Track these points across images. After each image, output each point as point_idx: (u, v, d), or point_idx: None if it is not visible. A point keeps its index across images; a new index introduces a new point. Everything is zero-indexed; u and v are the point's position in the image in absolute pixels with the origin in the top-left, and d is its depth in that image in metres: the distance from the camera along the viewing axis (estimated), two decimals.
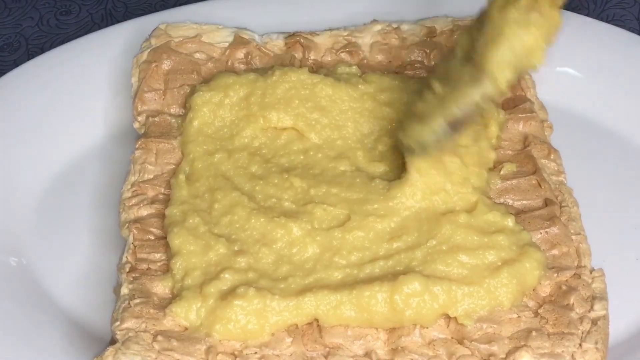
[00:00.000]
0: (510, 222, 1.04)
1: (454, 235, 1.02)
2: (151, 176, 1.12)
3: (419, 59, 1.23)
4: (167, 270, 1.03)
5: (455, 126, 1.01)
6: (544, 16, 0.98)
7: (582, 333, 0.99)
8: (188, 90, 1.18)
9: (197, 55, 1.22)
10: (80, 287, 1.10)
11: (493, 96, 0.98)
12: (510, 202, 1.09)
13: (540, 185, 1.09)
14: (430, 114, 1.02)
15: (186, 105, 1.16)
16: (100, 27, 1.44)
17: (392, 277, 0.99)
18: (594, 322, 1.00)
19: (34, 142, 1.21)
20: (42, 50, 1.41)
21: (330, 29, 1.26)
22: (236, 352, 0.97)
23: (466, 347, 0.98)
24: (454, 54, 1.04)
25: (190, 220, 1.05)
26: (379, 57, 1.24)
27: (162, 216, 1.07)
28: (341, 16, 1.30)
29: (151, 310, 0.99)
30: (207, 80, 1.18)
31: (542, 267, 1.02)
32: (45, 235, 1.15)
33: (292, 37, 1.24)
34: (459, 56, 1.03)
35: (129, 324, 0.98)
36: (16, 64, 1.37)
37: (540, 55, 0.98)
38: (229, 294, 0.98)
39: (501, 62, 0.97)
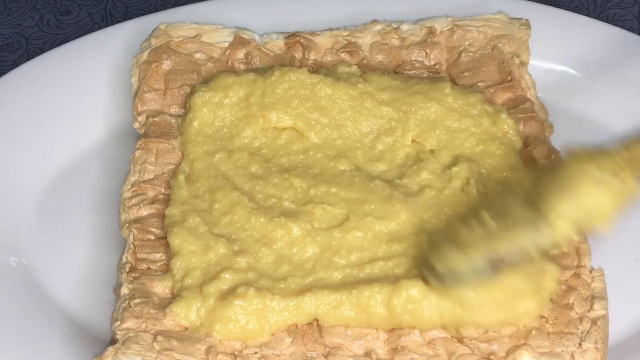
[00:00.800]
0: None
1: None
2: (151, 176, 1.12)
3: (419, 59, 1.23)
4: (167, 270, 1.03)
5: (496, 266, 0.94)
6: (624, 184, 0.93)
7: (582, 333, 0.99)
8: (188, 91, 1.18)
9: (197, 55, 1.22)
10: (80, 287, 1.10)
11: (546, 247, 0.93)
12: None
13: None
14: (472, 245, 0.94)
15: (186, 106, 1.16)
16: (100, 27, 1.44)
17: (393, 279, 0.99)
18: (594, 321, 1.00)
19: (34, 142, 1.21)
20: (42, 50, 1.41)
21: (330, 29, 1.26)
22: (236, 352, 0.97)
23: (466, 345, 0.98)
24: (512, 191, 0.98)
25: (190, 220, 1.05)
26: (379, 57, 1.24)
27: (162, 216, 1.07)
28: (341, 16, 1.30)
29: (151, 310, 0.99)
30: (207, 81, 1.18)
31: (557, 282, 1.01)
32: (45, 235, 1.15)
33: (292, 37, 1.24)
34: (519, 195, 0.96)
35: (129, 324, 0.99)
36: (16, 64, 1.37)
37: (608, 222, 0.93)
38: (229, 294, 0.98)
39: (566, 214, 0.91)
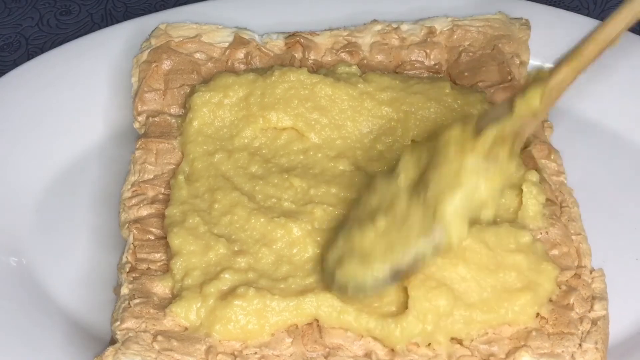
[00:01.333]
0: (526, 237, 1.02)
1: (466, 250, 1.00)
2: (151, 176, 1.12)
3: (419, 59, 1.23)
4: (167, 270, 1.03)
5: (398, 275, 0.93)
6: (501, 165, 0.90)
7: (582, 333, 0.99)
8: (188, 91, 1.18)
9: (197, 55, 1.22)
10: (80, 287, 1.10)
11: (441, 249, 0.91)
12: None
13: None
14: (371, 255, 0.93)
15: (186, 106, 1.16)
16: (100, 27, 1.44)
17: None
18: (594, 322, 1.00)
19: (34, 142, 1.21)
20: (42, 50, 1.41)
21: (330, 29, 1.26)
22: (236, 352, 0.97)
23: (466, 347, 0.98)
24: (396, 175, 0.95)
25: (190, 221, 1.05)
26: (379, 57, 1.24)
27: (162, 216, 1.07)
28: (341, 16, 1.30)
29: (151, 310, 0.99)
30: (207, 81, 1.18)
31: (555, 281, 1.01)
32: (45, 235, 1.15)
33: (292, 37, 1.24)
34: (403, 182, 0.94)
35: (129, 324, 0.99)
36: (16, 64, 1.37)
37: (493, 208, 0.90)
38: (229, 294, 0.98)
39: (457, 214, 0.89)
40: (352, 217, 0.98)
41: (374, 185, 0.97)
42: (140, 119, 1.18)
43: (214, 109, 1.14)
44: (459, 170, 0.89)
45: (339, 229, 0.99)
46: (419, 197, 0.91)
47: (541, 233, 1.05)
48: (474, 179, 0.89)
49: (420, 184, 0.92)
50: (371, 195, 0.97)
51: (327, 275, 0.97)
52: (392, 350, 0.97)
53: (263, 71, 1.18)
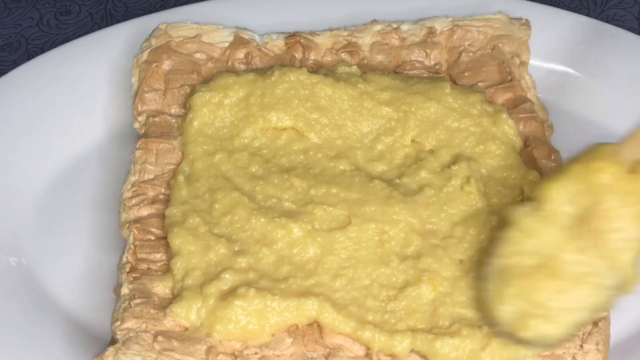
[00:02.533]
0: None
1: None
2: (151, 176, 1.12)
3: (419, 59, 1.23)
4: (167, 270, 1.03)
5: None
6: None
7: (583, 334, 0.99)
8: (188, 91, 1.18)
9: (197, 56, 1.22)
10: (80, 287, 1.10)
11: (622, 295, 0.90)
12: None
13: None
14: (556, 311, 0.89)
15: (186, 106, 1.16)
16: (100, 27, 1.44)
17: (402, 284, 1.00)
18: (595, 323, 1.00)
19: (34, 142, 1.21)
20: (42, 50, 1.41)
21: (330, 29, 1.26)
22: (236, 353, 0.97)
23: None
24: (551, 214, 0.90)
25: (191, 221, 1.05)
26: (379, 57, 1.24)
27: (162, 216, 1.07)
28: (341, 16, 1.30)
29: (151, 311, 0.99)
30: (207, 81, 1.18)
31: None
32: (45, 235, 1.15)
33: (292, 37, 1.24)
34: (561, 221, 0.90)
35: (129, 324, 0.99)
36: (16, 64, 1.37)
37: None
38: (229, 294, 0.98)
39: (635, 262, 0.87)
40: (508, 264, 0.92)
41: (522, 225, 0.92)
42: (140, 119, 1.18)
43: (214, 109, 1.14)
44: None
45: (491, 273, 0.93)
46: (589, 242, 0.88)
47: None
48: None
49: (584, 228, 0.89)
50: (524, 239, 0.92)
51: (503, 331, 0.93)
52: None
53: (263, 71, 1.18)
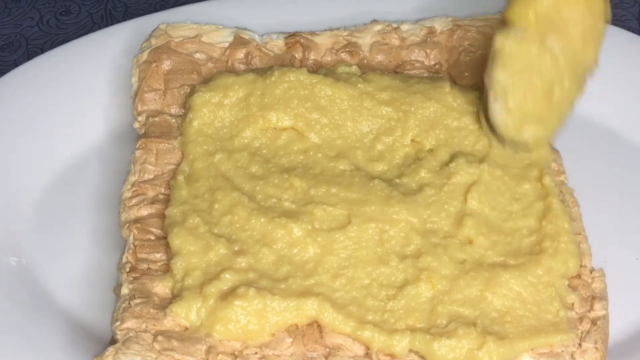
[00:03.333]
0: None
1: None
2: (151, 176, 1.12)
3: (419, 59, 1.23)
4: (167, 270, 1.03)
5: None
6: None
7: (582, 333, 0.99)
8: (188, 91, 1.18)
9: (197, 56, 1.22)
10: (80, 287, 1.10)
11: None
12: None
13: None
14: (547, 117, 1.08)
15: (186, 106, 1.16)
16: (100, 27, 1.44)
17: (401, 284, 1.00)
18: (594, 322, 1.00)
19: (34, 142, 1.21)
20: (42, 50, 1.41)
21: (331, 29, 1.26)
22: (236, 352, 0.97)
23: None
24: (525, 34, 1.07)
25: (191, 221, 1.05)
26: (379, 57, 1.24)
27: (162, 216, 1.07)
28: (341, 16, 1.30)
29: (151, 310, 0.99)
30: (207, 81, 1.18)
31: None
32: (45, 235, 1.15)
33: (292, 37, 1.24)
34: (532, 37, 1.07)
35: (130, 324, 0.98)
36: (16, 64, 1.37)
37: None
38: (229, 294, 0.98)
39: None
40: (505, 85, 1.08)
41: (508, 50, 1.07)
42: (140, 119, 1.18)
43: (214, 109, 1.14)
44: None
45: (492, 95, 1.09)
46: (560, 44, 1.05)
47: None
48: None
49: (554, 35, 1.05)
50: (514, 60, 1.07)
51: (502, 137, 1.10)
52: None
53: (263, 71, 1.18)
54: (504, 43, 1.07)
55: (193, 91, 1.16)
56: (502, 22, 1.07)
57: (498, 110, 1.09)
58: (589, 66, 1.08)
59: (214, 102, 1.14)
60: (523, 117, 1.08)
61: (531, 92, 1.07)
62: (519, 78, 1.07)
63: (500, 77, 1.08)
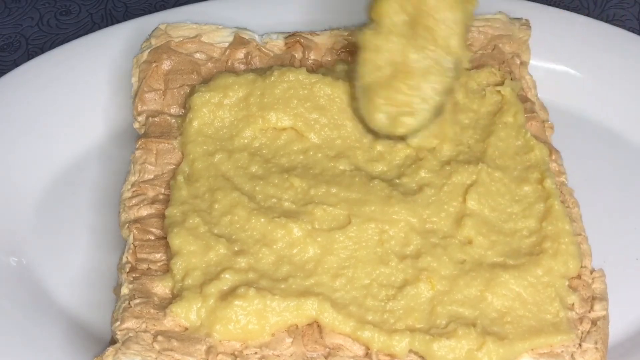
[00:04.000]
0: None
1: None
2: (151, 176, 1.12)
3: None
4: (167, 270, 1.03)
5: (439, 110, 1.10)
6: None
7: (582, 333, 0.99)
8: (188, 91, 1.18)
9: (197, 56, 1.22)
10: (80, 287, 1.10)
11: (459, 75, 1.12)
12: None
13: None
14: (414, 104, 1.09)
15: (186, 106, 1.16)
16: (100, 27, 1.44)
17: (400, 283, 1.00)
18: (594, 322, 1.00)
19: (34, 142, 1.21)
20: (42, 50, 1.41)
21: (331, 29, 1.26)
22: (236, 353, 0.97)
23: None
24: (386, 29, 1.09)
25: (190, 221, 1.05)
26: None
27: (162, 216, 1.07)
28: (341, 16, 1.30)
29: (151, 311, 0.99)
30: (206, 81, 1.18)
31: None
32: (45, 235, 1.15)
33: (292, 37, 1.24)
34: (396, 30, 1.09)
35: (129, 324, 0.98)
36: (16, 64, 1.37)
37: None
38: (229, 294, 0.98)
39: (463, 45, 1.10)
40: (370, 81, 1.09)
41: (369, 45, 1.09)
42: (140, 119, 1.18)
43: (213, 109, 1.14)
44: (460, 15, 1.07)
45: (360, 93, 1.11)
46: (425, 39, 1.07)
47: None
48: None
49: (417, 29, 1.07)
50: (375, 56, 1.09)
51: (385, 134, 1.11)
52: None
53: (263, 71, 1.18)
54: (366, 37, 1.09)
55: (193, 91, 1.16)
56: (368, 18, 1.09)
57: (366, 105, 1.10)
58: (456, 56, 1.08)
59: (214, 102, 1.14)
60: (391, 109, 1.09)
61: (395, 85, 1.08)
62: (382, 72, 1.08)
63: (365, 72, 1.09)
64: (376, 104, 1.09)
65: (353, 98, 1.13)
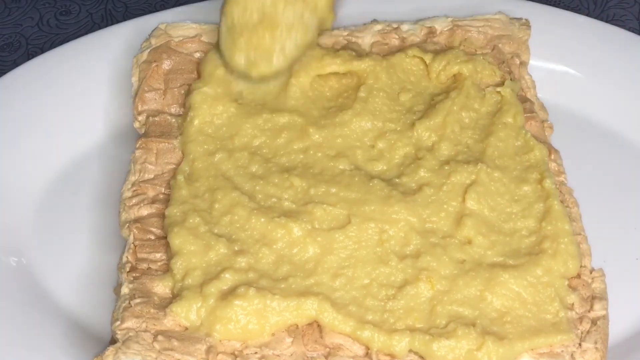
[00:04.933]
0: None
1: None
2: (151, 176, 1.12)
3: None
4: (167, 270, 1.03)
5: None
6: None
7: (582, 333, 0.99)
8: (186, 90, 1.18)
9: (197, 55, 1.22)
10: (80, 287, 1.10)
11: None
12: None
13: None
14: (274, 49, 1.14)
15: (185, 105, 1.16)
16: (100, 27, 1.44)
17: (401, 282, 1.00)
18: (594, 322, 1.00)
19: (34, 142, 1.21)
20: (42, 50, 1.41)
21: (331, 29, 1.26)
22: (236, 352, 0.97)
23: None
24: None
25: (191, 220, 1.05)
26: None
27: (162, 216, 1.07)
28: (341, 16, 1.29)
29: (151, 310, 0.99)
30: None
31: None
32: (45, 235, 1.15)
33: None
34: None
35: (130, 323, 0.98)
36: (16, 64, 1.37)
37: None
38: (229, 294, 0.98)
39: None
40: (236, 21, 1.13)
41: None
42: (140, 118, 1.18)
43: (213, 104, 1.14)
44: None
45: (223, 30, 1.15)
46: None
47: None
48: None
49: None
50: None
51: (241, 75, 1.15)
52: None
53: None
54: None
55: (191, 90, 1.16)
56: None
57: (228, 43, 1.14)
58: (321, 16, 1.14)
59: (212, 96, 1.14)
60: (250, 53, 1.13)
61: (260, 31, 1.12)
62: (249, 16, 1.12)
63: (233, 12, 1.13)
64: (238, 44, 1.13)
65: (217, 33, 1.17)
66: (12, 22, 1.46)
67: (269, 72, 1.14)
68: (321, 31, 1.16)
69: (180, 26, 1.25)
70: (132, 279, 1.03)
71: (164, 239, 1.06)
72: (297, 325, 0.99)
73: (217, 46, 1.17)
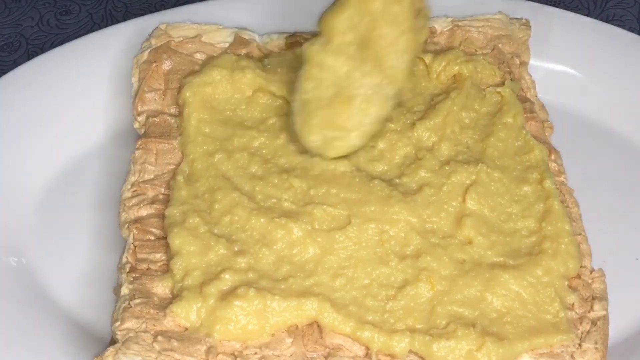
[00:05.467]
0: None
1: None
2: (151, 176, 1.12)
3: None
4: (167, 270, 1.03)
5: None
6: None
7: (582, 333, 0.99)
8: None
9: (198, 56, 1.22)
10: (80, 287, 1.10)
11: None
12: None
13: None
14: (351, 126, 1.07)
15: (179, 103, 1.16)
16: (100, 27, 1.44)
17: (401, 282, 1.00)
18: (594, 322, 1.00)
19: (34, 142, 1.21)
20: (42, 50, 1.41)
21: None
22: (236, 353, 0.97)
23: None
24: (333, 45, 1.04)
25: (190, 221, 1.05)
26: None
27: (162, 216, 1.07)
28: None
29: (151, 311, 0.99)
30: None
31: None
32: (45, 235, 1.15)
33: (293, 37, 1.24)
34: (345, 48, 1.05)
35: (129, 324, 0.98)
36: (16, 64, 1.37)
37: None
38: (229, 295, 0.98)
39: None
40: (310, 98, 1.05)
41: (315, 61, 1.04)
42: (140, 119, 1.18)
43: (206, 98, 1.14)
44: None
45: (297, 109, 1.07)
46: (371, 65, 1.03)
47: None
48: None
49: (365, 53, 1.03)
50: (320, 73, 1.05)
51: (316, 153, 1.09)
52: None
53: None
54: (313, 51, 1.04)
55: (181, 86, 1.16)
56: (318, 30, 1.05)
57: (302, 123, 1.07)
58: (399, 87, 1.06)
59: (205, 88, 1.15)
60: (326, 133, 1.06)
61: (335, 107, 1.05)
62: (323, 91, 1.04)
63: (307, 88, 1.05)
64: (312, 125, 1.06)
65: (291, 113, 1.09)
66: (12, 22, 1.46)
67: (345, 151, 1.07)
68: (397, 100, 1.08)
69: (180, 26, 1.25)
70: (132, 279, 1.03)
71: (163, 240, 1.06)
72: (297, 326, 0.99)
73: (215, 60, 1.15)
